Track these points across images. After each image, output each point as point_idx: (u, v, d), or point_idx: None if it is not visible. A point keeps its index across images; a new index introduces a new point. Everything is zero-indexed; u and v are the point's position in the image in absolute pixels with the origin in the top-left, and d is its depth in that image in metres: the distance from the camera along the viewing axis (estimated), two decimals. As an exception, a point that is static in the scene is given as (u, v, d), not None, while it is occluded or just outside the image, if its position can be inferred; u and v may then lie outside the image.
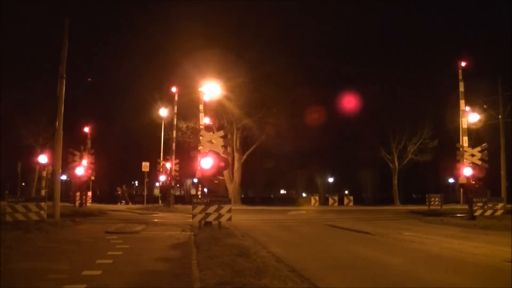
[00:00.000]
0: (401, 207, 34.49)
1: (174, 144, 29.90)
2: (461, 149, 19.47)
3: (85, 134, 30.12)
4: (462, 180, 19.47)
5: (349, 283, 6.85)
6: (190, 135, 35.58)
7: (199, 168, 15.92)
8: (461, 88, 21.09)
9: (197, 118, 28.66)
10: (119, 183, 44.59)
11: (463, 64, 21.30)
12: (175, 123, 30.73)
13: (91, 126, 30.65)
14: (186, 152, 30.29)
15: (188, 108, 32.07)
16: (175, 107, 29.74)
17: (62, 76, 17.25)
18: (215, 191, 15.64)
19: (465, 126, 20.70)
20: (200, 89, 23.53)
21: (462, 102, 21.03)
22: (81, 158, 27.90)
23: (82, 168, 27.56)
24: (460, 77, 21.19)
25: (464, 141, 20.03)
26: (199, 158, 15.91)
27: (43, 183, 26.66)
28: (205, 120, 24.96)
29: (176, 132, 31.16)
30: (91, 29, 39.80)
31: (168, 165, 30.61)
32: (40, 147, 35.54)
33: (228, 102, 32.68)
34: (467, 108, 22.43)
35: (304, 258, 9.14)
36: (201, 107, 24.77)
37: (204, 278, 6.39)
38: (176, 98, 29.30)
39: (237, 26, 33.51)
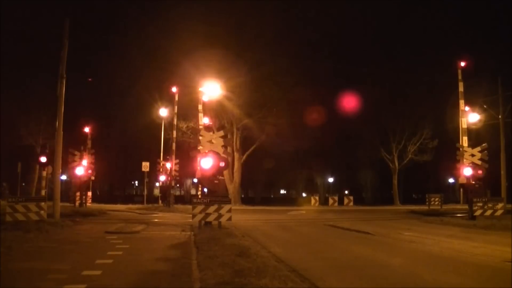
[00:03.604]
0: (401, 207, 34.50)
1: (174, 144, 29.86)
2: (461, 149, 19.46)
3: (85, 134, 30.11)
4: (462, 180, 19.47)
5: (349, 283, 6.85)
6: (190, 135, 35.60)
7: (198, 168, 15.92)
8: (461, 88, 21.06)
9: (197, 118, 28.67)
10: (119, 183, 44.62)
11: (462, 64, 21.27)
12: (175, 123, 30.65)
13: (91, 126, 30.65)
14: (186, 152, 30.33)
15: (188, 108, 32.10)
16: (176, 107, 29.63)
17: (62, 76, 17.24)
18: (215, 191, 15.64)
19: (464, 126, 20.67)
20: (200, 89, 23.53)
21: (461, 102, 20.99)
22: (81, 158, 27.90)
23: (82, 168, 27.56)
24: (460, 77, 21.16)
25: (464, 141, 20.02)
26: (199, 158, 15.91)
27: (43, 183, 26.61)
28: (205, 120, 24.98)
29: (176, 132, 31.14)
30: (91, 29, 39.79)
31: (168, 165, 30.59)
32: (40, 147, 35.49)
33: (228, 102, 32.71)
34: (467, 108, 22.42)
35: (304, 258, 9.14)
36: (200, 107, 24.76)
37: (204, 278, 6.39)
38: (177, 98, 29.19)
39: (237, 26, 33.59)
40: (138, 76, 37.68)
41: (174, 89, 29.05)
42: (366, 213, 26.71)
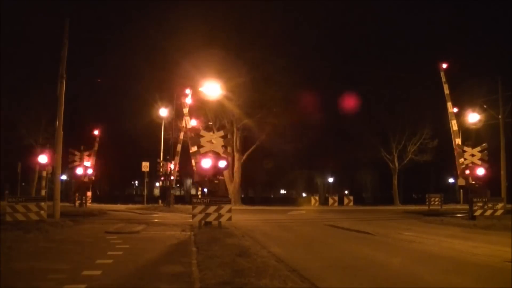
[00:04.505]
0: (401, 207, 34.51)
1: (179, 146, 29.52)
2: (458, 150, 19.43)
3: (90, 135, 30.20)
4: (461, 182, 19.47)
5: (349, 283, 6.85)
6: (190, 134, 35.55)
7: (194, 169, 15.91)
8: (446, 91, 20.71)
9: (197, 118, 28.50)
10: (119, 183, 44.58)
11: (444, 66, 20.94)
12: (185, 124, 29.93)
13: (92, 127, 30.71)
14: (186, 152, 30.22)
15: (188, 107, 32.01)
16: (186, 109, 28.68)
17: (62, 76, 17.24)
18: (215, 191, 15.65)
19: (455, 128, 20.48)
20: (200, 88, 23.43)
21: (449, 104, 20.66)
22: (81, 158, 27.98)
23: (84, 169, 27.75)
24: (444, 79, 20.81)
25: (457, 142, 19.95)
26: (193, 161, 15.91)
27: (43, 183, 26.62)
28: (192, 122, 24.85)
29: (176, 132, 31.00)
30: (91, 30, 39.78)
31: (169, 165, 30.56)
32: (40, 147, 35.52)
33: (228, 102, 32.65)
34: (465, 109, 22.36)
35: (304, 258, 9.14)
36: (185, 110, 24.51)
37: (204, 278, 6.39)
38: (187, 99, 28.38)
39: (237, 26, 33.59)
40: (138, 76, 37.78)
41: (187, 91, 27.77)
42: (366, 213, 26.71)
